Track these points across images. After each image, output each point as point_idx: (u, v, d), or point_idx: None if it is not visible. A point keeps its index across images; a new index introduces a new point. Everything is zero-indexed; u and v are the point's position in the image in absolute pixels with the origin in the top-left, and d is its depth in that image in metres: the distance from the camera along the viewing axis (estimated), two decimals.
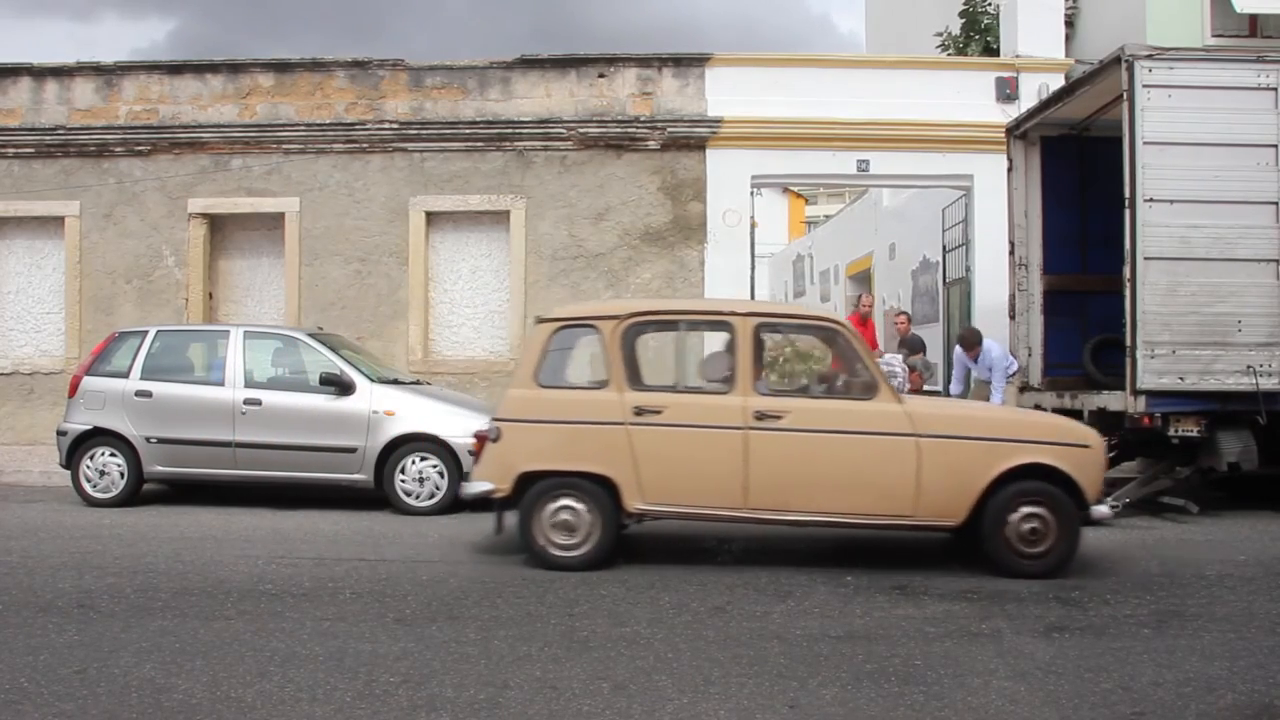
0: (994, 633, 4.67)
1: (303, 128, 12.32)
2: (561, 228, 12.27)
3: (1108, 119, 9.04)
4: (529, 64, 12.40)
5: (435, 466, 8.29)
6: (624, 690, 3.85)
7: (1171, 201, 7.83)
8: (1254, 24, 12.08)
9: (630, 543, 6.50)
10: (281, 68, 12.55)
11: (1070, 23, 13.36)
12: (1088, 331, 9.65)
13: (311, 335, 9.11)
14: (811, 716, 3.62)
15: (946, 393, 10.57)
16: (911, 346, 11.15)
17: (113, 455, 8.61)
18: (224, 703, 3.69)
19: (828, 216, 30.12)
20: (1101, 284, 9.40)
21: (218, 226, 12.68)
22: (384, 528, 7.58)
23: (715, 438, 5.88)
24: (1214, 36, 11.84)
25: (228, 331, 9.00)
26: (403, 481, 8.29)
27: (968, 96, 12.10)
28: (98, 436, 8.64)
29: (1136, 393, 7.82)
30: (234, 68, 12.58)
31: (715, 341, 6.88)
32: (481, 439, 6.24)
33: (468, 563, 6.31)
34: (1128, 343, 7.90)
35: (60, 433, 8.86)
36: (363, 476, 8.35)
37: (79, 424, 8.71)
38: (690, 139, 12.20)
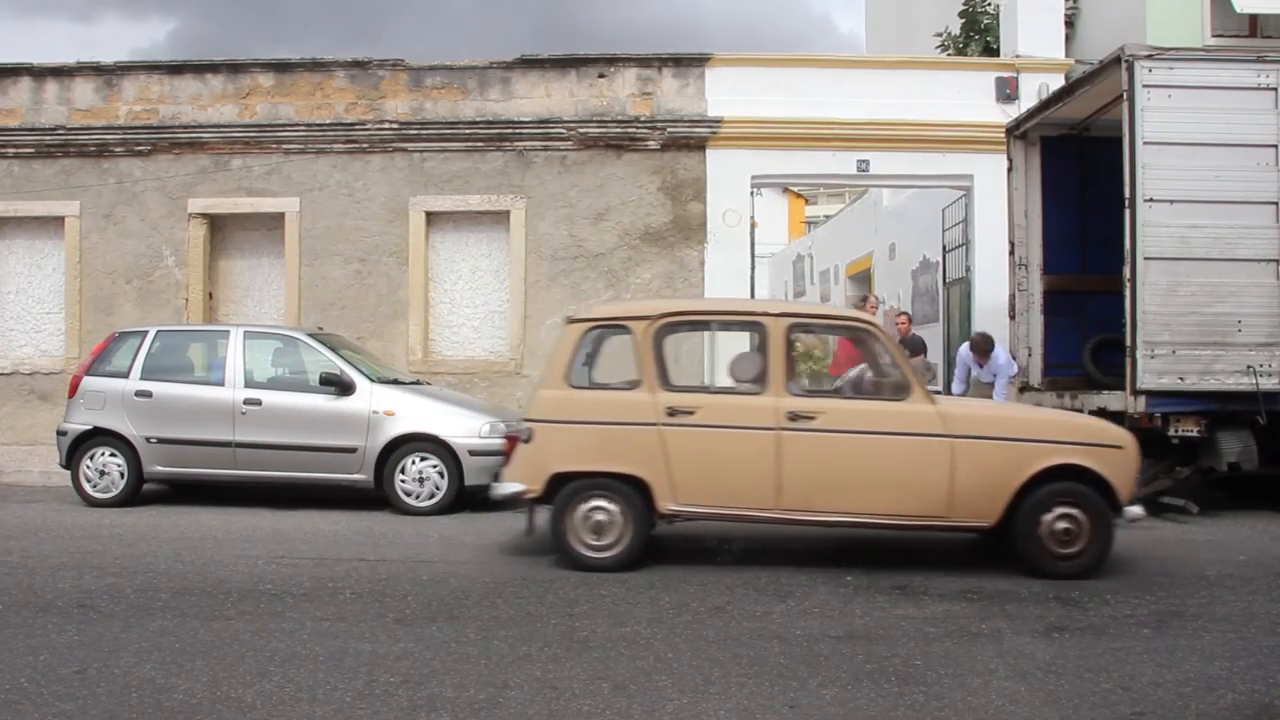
0: (994, 633, 4.67)
1: (303, 128, 12.32)
2: (561, 228, 12.27)
3: (1108, 119, 9.05)
4: (529, 64, 12.40)
5: (435, 466, 8.29)
6: (624, 690, 3.85)
7: (1171, 201, 7.84)
8: (1254, 24, 12.08)
9: None
10: (281, 68, 12.55)
11: (1070, 23, 13.36)
12: (1088, 331, 9.65)
13: (311, 335, 9.11)
14: (811, 716, 3.62)
15: (948, 393, 10.57)
16: (912, 347, 11.13)
17: (113, 455, 8.61)
18: (224, 703, 3.69)
19: (828, 216, 30.12)
20: (1101, 284, 9.40)
21: (218, 226, 12.68)
22: (384, 528, 7.58)
23: (748, 438, 5.87)
24: (1214, 36, 11.84)
25: (228, 331, 9.01)
26: (403, 481, 8.29)
27: (968, 96, 12.09)
28: (98, 436, 8.64)
29: (1136, 393, 7.83)
30: (234, 68, 12.58)
31: (743, 342, 6.88)
32: (512, 440, 6.21)
33: (468, 563, 6.31)
34: (1128, 343, 7.91)
35: (60, 433, 8.86)
36: (363, 476, 8.35)
37: (79, 424, 8.72)
38: (690, 139, 12.20)
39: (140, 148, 12.42)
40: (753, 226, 12.60)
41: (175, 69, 12.63)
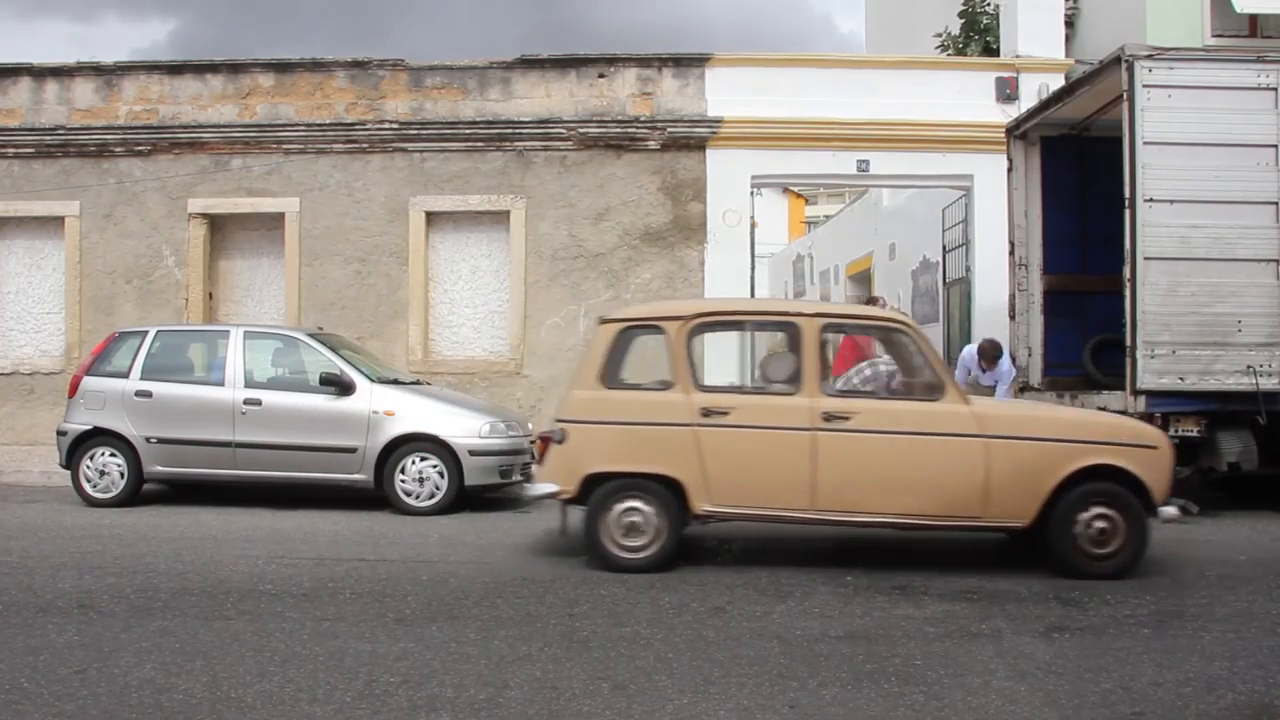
0: (994, 633, 4.67)
1: (303, 128, 12.32)
2: (561, 228, 12.27)
3: (1108, 119, 9.05)
4: (529, 64, 12.40)
5: (435, 466, 8.29)
6: (624, 690, 3.85)
7: (1171, 201, 7.84)
8: (1254, 24, 12.08)
9: None
10: (281, 68, 12.55)
11: (1070, 23, 13.36)
12: (1088, 331, 9.65)
13: (311, 335, 9.11)
14: (811, 716, 3.62)
15: None
16: None
17: (113, 455, 8.61)
18: (224, 703, 3.69)
19: (828, 216, 30.12)
20: (1101, 284, 9.40)
21: (218, 226, 12.68)
22: (384, 528, 7.58)
23: (783, 439, 5.86)
24: (1214, 36, 11.84)
25: (228, 331, 9.01)
26: (403, 481, 8.28)
27: (968, 96, 12.09)
28: (98, 436, 8.64)
29: (1136, 393, 7.83)
30: (234, 68, 12.58)
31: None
32: (545, 440, 6.18)
33: (468, 563, 6.31)
34: (1128, 343, 7.91)
35: (60, 433, 8.86)
36: (363, 476, 8.35)
37: (79, 424, 8.72)
38: (690, 139, 12.20)
39: (140, 148, 12.42)
40: (753, 226, 12.60)
41: (175, 69, 12.63)
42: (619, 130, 12.21)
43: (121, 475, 8.58)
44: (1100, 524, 5.73)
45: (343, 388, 8.46)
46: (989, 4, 14.82)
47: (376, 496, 8.42)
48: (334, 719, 3.56)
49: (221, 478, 8.62)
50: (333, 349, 8.86)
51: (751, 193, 12.43)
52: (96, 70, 12.61)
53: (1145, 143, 7.84)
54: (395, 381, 9.08)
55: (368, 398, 8.43)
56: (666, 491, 5.93)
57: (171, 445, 8.55)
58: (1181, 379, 7.82)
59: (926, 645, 4.46)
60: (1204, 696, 3.81)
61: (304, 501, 8.61)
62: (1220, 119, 7.90)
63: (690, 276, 12.18)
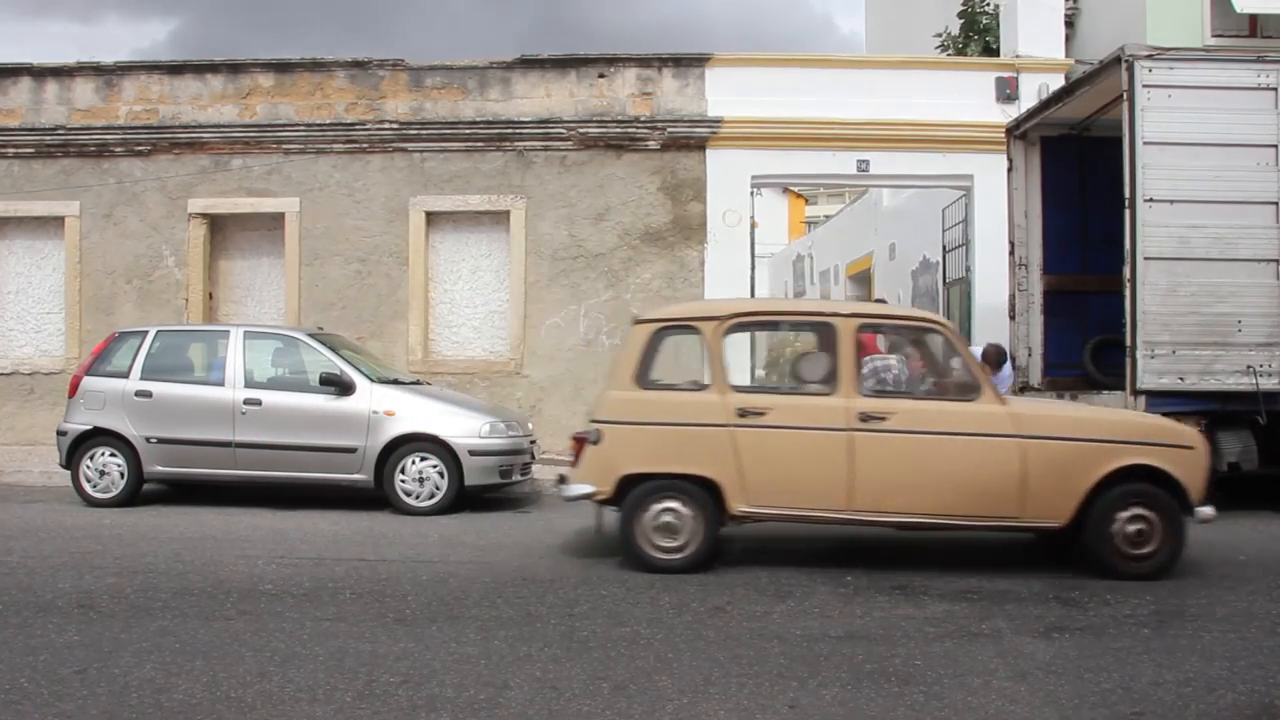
0: (994, 633, 4.67)
1: (303, 128, 12.32)
2: (561, 228, 12.27)
3: (1108, 119, 9.05)
4: (529, 64, 12.40)
5: (435, 466, 8.29)
6: (624, 690, 3.85)
7: (1171, 201, 7.84)
8: (1254, 24, 12.08)
9: None
10: (281, 68, 12.55)
11: (1070, 23, 13.37)
12: (1088, 331, 9.65)
13: (311, 335, 9.11)
14: (811, 716, 3.62)
15: None
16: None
17: (113, 455, 8.61)
18: (224, 703, 3.69)
19: (828, 216, 30.12)
20: (1101, 284, 9.40)
21: (218, 226, 12.68)
22: (384, 528, 7.58)
23: (820, 439, 5.85)
24: (1214, 36, 11.84)
25: (228, 331, 9.00)
26: (403, 481, 8.28)
27: (967, 96, 12.09)
28: (98, 436, 8.63)
29: (1136, 393, 7.83)
30: (234, 68, 12.58)
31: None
32: (579, 441, 6.15)
33: (468, 563, 6.31)
34: (1128, 343, 7.91)
35: (60, 433, 8.85)
36: (363, 476, 8.35)
37: (79, 424, 8.71)
38: (690, 139, 12.20)
39: (140, 148, 12.42)
40: (753, 226, 12.60)
41: (175, 69, 12.63)
42: (619, 130, 12.21)
43: (121, 475, 8.58)
44: (1138, 525, 5.72)
45: (343, 388, 8.46)
46: (989, 4, 14.82)
47: (376, 496, 8.42)
48: (334, 719, 3.56)
49: (221, 478, 8.62)
50: (333, 349, 8.85)
51: (751, 193, 12.43)
52: (96, 70, 12.61)
53: (1145, 143, 7.84)
54: (395, 381, 9.08)
55: (368, 398, 8.43)
56: (703, 492, 5.91)
57: (171, 445, 8.55)
58: (1181, 379, 7.83)
59: (926, 645, 4.45)
60: (1204, 696, 3.81)
61: (304, 501, 8.61)
62: (1220, 119, 7.90)
63: (690, 277, 12.18)
